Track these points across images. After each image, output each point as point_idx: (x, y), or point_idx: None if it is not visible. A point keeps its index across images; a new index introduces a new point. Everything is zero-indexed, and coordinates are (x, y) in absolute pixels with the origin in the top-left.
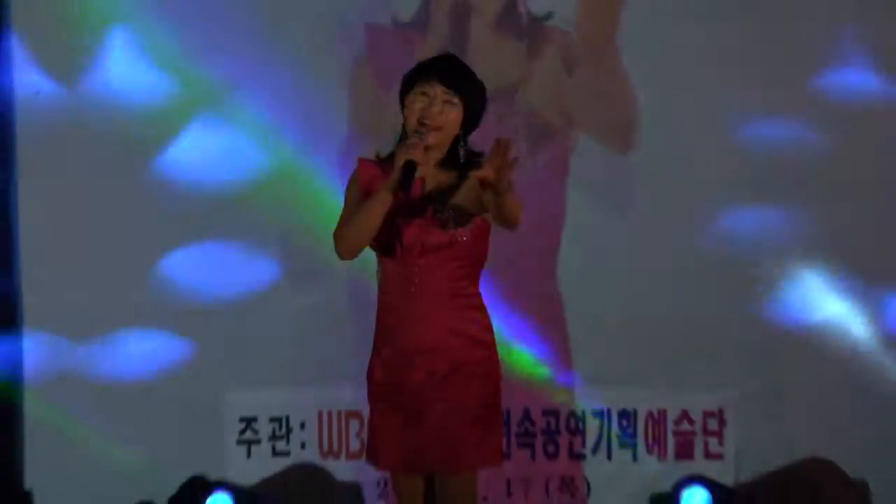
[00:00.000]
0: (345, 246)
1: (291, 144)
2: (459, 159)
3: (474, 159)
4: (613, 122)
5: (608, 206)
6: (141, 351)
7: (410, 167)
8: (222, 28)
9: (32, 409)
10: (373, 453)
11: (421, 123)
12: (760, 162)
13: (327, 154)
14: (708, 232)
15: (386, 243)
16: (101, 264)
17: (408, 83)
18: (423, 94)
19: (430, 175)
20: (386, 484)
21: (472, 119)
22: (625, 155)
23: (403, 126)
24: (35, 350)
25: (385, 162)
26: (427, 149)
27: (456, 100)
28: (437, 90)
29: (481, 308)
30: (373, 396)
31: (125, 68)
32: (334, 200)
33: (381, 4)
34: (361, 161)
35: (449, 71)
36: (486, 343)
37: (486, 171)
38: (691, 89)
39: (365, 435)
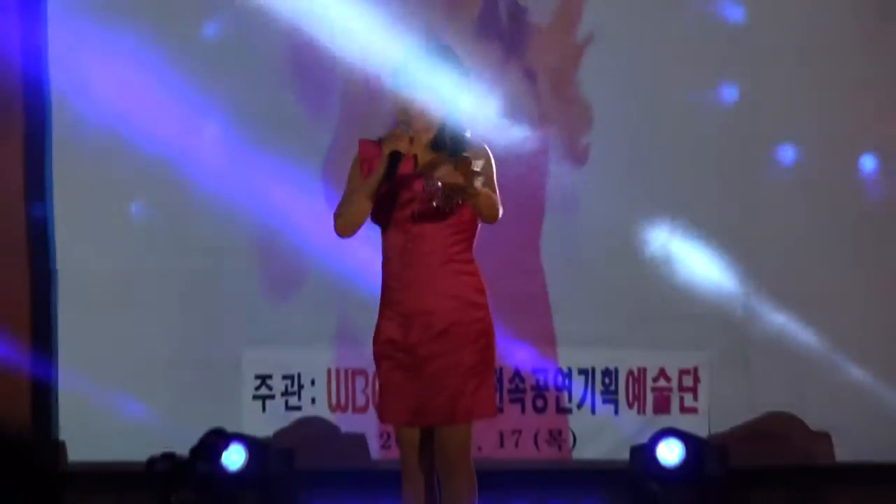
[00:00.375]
0: (340, 226)
1: None
2: (447, 141)
3: (460, 139)
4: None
5: (588, 177)
6: (164, 313)
7: (395, 157)
8: None
9: (65, 367)
10: (381, 409)
11: (405, 113)
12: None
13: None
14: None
15: (385, 217)
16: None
17: (394, 74)
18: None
19: (421, 154)
20: (389, 436)
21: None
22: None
23: (387, 136)
24: (67, 315)
25: (381, 142)
26: (412, 140)
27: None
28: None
29: (474, 272)
30: (378, 356)
31: None
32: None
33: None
34: (362, 142)
35: (434, 57)
36: (480, 304)
37: (453, 177)
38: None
39: (369, 391)
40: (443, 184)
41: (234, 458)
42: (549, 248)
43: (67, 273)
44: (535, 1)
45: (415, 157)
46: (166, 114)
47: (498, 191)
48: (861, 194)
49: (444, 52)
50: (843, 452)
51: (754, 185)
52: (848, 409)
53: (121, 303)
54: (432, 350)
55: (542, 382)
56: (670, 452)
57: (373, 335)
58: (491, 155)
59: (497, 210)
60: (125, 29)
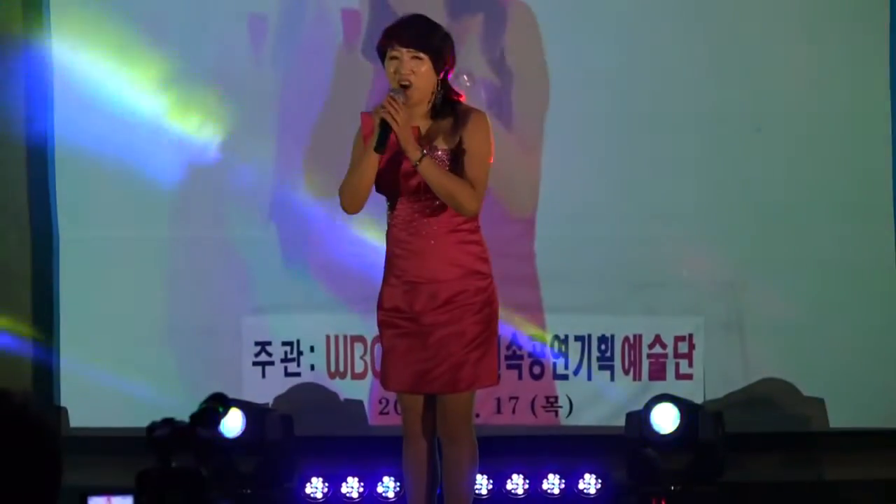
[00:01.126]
0: (345, 201)
1: None
2: (438, 103)
3: (452, 101)
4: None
5: (585, 157)
6: (164, 281)
7: (385, 127)
8: None
9: (66, 334)
10: (384, 376)
11: (399, 84)
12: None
13: None
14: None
15: (392, 185)
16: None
17: (381, 50)
18: (394, 57)
19: (423, 124)
20: (387, 402)
21: (443, 64)
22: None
23: (375, 108)
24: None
25: (374, 112)
26: (407, 105)
27: (422, 55)
28: (403, 52)
29: (479, 242)
30: (382, 323)
31: None
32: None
33: None
34: (363, 116)
35: (409, 33)
36: (483, 273)
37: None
38: None
39: (368, 358)
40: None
41: (232, 423)
42: (544, 219)
43: (68, 241)
44: None
45: (417, 128)
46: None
47: (488, 152)
48: (865, 144)
49: (425, 19)
50: (837, 418)
51: (749, 150)
52: (842, 375)
53: (121, 272)
54: (437, 319)
55: (538, 349)
56: (666, 418)
57: (377, 302)
58: (488, 125)
59: (469, 203)
60: None
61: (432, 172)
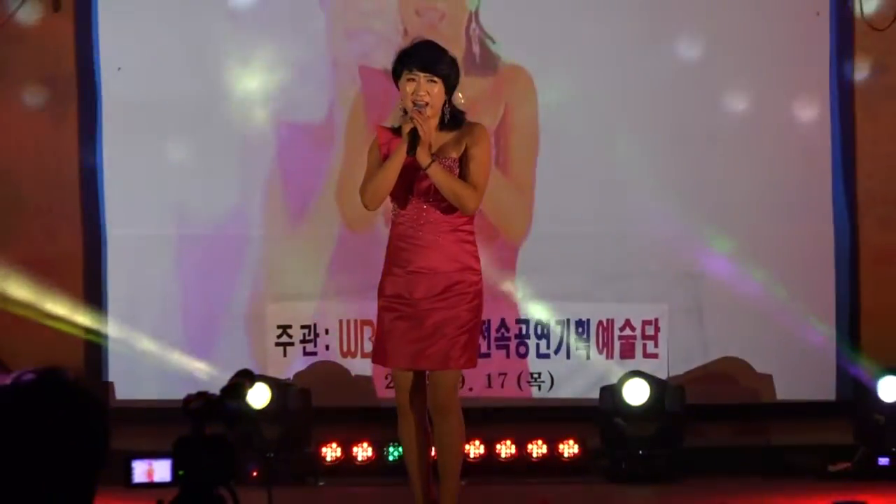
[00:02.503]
0: (369, 197)
1: None
2: (446, 119)
3: (459, 116)
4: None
5: (566, 170)
6: (198, 272)
7: (413, 134)
8: None
9: (113, 317)
10: (381, 355)
11: (414, 103)
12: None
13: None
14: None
15: (402, 188)
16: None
17: (397, 70)
18: (411, 79)
19: (433, 137)
20: (391, 378)
21: (451, 87)
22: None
23: (403, 121)
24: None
25: (396, 130)
26: (425, 123)
27: (436, 78)
28: (420, 75)
29: (473, 242)
30: (382, 308)
31: None
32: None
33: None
34: (379, 128)
35: (426, 58)
36: (475, 269)
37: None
38: None
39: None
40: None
41: (258, 396)
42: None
43: (115, 238)
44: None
45: (429, 143)
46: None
47: (482, 175)
48: (808, 150)
49: (436, 46)
50: (783, 391)
51: (705, 160)
52: (786, 354)
53: (161, 265)
54: (434, 305)
55: (523, 331)
56: (637, 392)
57: (378, 290)
58: (489, 137)
59: (469, 202)
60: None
61: (440, 175)
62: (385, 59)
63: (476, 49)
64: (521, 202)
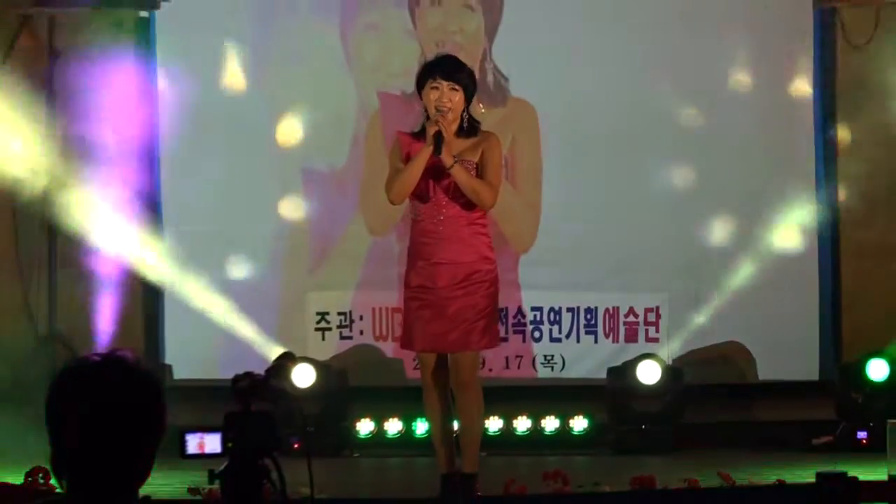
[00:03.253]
0: (395, 193)
1: None
2: (464, 126)
3: (476, 125)
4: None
5: (574, 178)
6: (245, 265)
7: (439, 135)
8: None
9: (170, 306)
10: (407, 340)
11: (437, 109)
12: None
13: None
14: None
15: (423, 188)
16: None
17: (421, 80)
18: (434, 87)
19: (452, 143)
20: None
21: (469, 96)
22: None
23: (426, 111)
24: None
25: (416, 135)
26: (448, 125)
27: (457, 87)
28: (443, 84)
29: (488, 235)
30: (409, 299)
31: None
32: None
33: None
34: (400, 133)
35: (448, 68)
36: (491, 259)
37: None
38: None
39: None
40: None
41: (304, 376)
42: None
43: (171, 234)
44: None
45: (448, 146)
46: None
47: (497, 176)
48: (782, 166)
49: (457, 59)
50: (771, 372)
51: (702, 160)
52: (773, 339)
53: (211, 257)
54: (455, 293)
55: (538, 318)
56: (650, 373)
57: (404, 282)
58: (500, 145)
59: (487, 198)
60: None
61: (462, 174)
62: (405, 85)
63: (490, 81)
64: (531, 215)
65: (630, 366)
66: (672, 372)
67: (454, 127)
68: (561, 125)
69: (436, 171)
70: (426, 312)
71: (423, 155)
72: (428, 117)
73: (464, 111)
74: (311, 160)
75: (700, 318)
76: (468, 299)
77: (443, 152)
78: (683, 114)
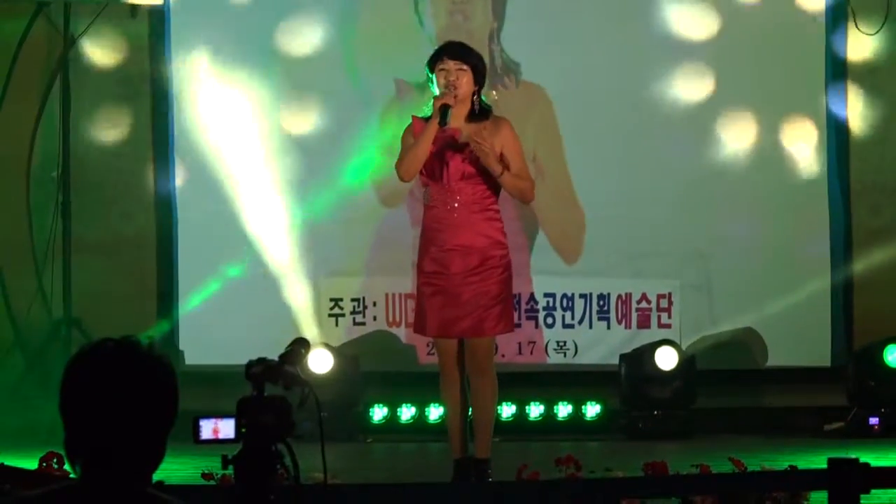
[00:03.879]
0: (404, 169)
1: None
2: (475, 110)
3: (487, 109)
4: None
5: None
6: (260, 251)
7: (445, 107)
8: None
9: (183, 293)
10: (421, 325)
11: (446, 86)
12: None
13: None
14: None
15: (435, 172)
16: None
17: (430, 66)
18: (443, 69)
19: (463, 127)
20: (432, 345)
21: (479, 78)
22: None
23: (435, 97)
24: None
25: (428, 118)
26: (455, 100)
27: (465, 67)
28: (450, 63)
29: (501, 219)
30: (422, 285)
31: None
32: None
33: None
34: (414, 118)
35: (454, 49)
36: (504, 244)
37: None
38: None
39: None
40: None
41: (321, 361)
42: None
43: (185, 221)
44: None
45: (459, 130)
46: None
47: (524, 158)
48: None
49: (464, 43)
50: (783, 359)
51: (716, 156)
52: (783, 326)
53: (225, 245)
54: (468, 279)
55: (551, 304)
56: (668, 359)
57: (417, 268)
58: (516, 133)
59: (530, 193)
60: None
61: (509, 180)
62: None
63: (498, 64)
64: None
65: (645, 352)
66: (685, 358)
67: (465, 110)
68: (570, 110)
69: (449, 156)
70: (439, 298)
71: (431, 129)
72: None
73: (474, 94)
74: (321, 143)
75: (712, 305)
76: (482, 285)
77: (493, 163)
78: (697, 100)
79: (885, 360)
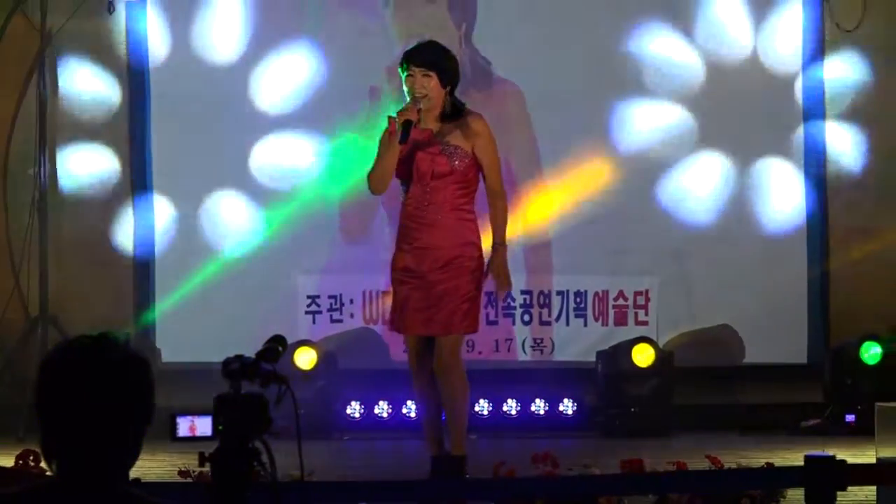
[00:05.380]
0: (372, 185)
1: None
2: (447, 111)
3: (460, 108)
4: None
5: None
6: (237, 249)
7: (407, 124)
8: None
9: (160, 290)
10: (396, 323)
11: (412, 95)
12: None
13: None
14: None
15: (408, 172)
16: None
17: (400, 70)
18: (409, 76)
19: (434, 126)
20: None
21: (448, 80)
22: None
23: (398, 111)
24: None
25: (397, 114)
26: (419, 111)
27: (431, 73)
28: (415, 70)
29: (474, 220)
30: (395, 281)
31: None
32: None
33: None
34: (390, 118)
35: (420, 55)
36: (477, 245)
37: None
38: None
39: None
40: (453, 147)
41: (307, 359)
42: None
43: (163, 217)
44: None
45: (431, 130)
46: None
47: (498, 156)
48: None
49: (433, 43)
50: (760, 356)
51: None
52: (759, 323)
53: (202, 242)
54: (439, 277)
55: (528, 301)
56: (644, 356)
57: (391, 264)
58: (491, 133)
59: (506, 214)
60: None
61: (503, 254)
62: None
63: (467, 67)
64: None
65: (622, 349)
66: (663, 355)
67: (437, 112)
68: (544, 106)
69: (420, 157)
70: (414, 294)
71: (393, 149)
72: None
73: (445, 96)
74: (302, 139)
75: (689, 302)
76: (451, 283)
77: (502, 276)
78: (676, 95)
79: (862, 357)
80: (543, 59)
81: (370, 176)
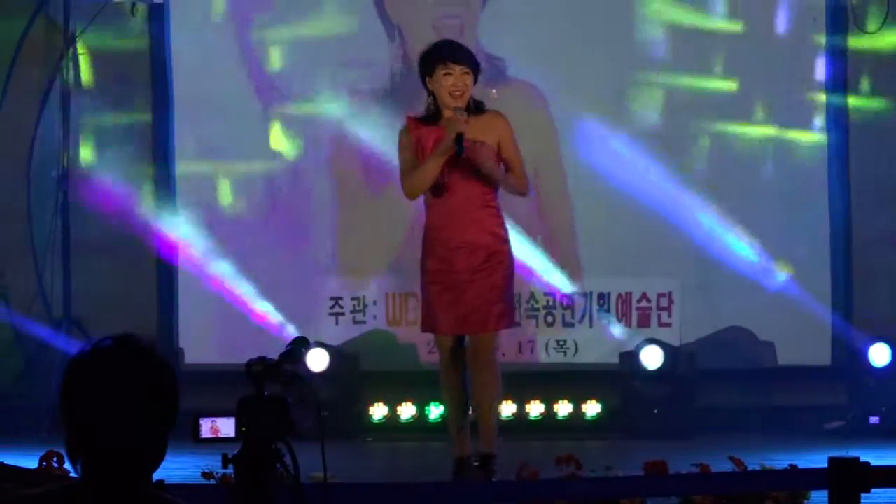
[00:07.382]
0: (409, 193)
1: None
2: (471, 107)
3: (480, 104)
4: None
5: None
6: (262, 252)
7: (460, 136)
8: None
9: (183, 293)
10: (430, 323)
11: (451, 94)
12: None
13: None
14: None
15: (437, 181)
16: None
17: (429, 65)
18: (447, 73)
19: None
20: (433, 344)
21: (477, 79)
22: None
23: (433, 97)
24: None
25: (425, 120)
26: (467, 121)
27: (468, 70)
28: (456, 68)
29: (501, 214)
30: (428, 283)
31: None
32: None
33: None
34: (409, 118)
35: (460, 53)
36: (506, 239)
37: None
38: None
39: (418, 310)
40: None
41: (318, 361)
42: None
43: (184, 208)
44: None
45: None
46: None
47: (520, 151)
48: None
49: (464, 47)
50: (783, 357)
51: (715, 162)
52: (788, 323)
53: (226, 245)
54: (473, 276)
55: (551, 303)
56: (653, 357)
57: (422, 267)
58: (512, 129)
59: (525, 188)
60: None
61: (503, 177)
62: None
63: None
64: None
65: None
66: (684, 357)
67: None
68: (565, 107)
69: (449, 162)
70: (447, 296)
71: (440, 159)
72: (434, 101)
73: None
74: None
75: (712, 304)
76: (487, 281)
77: (487, 165)
78: (695, 98)
79: (870, 361)
80: (560, 55)
81: (410, 182)
